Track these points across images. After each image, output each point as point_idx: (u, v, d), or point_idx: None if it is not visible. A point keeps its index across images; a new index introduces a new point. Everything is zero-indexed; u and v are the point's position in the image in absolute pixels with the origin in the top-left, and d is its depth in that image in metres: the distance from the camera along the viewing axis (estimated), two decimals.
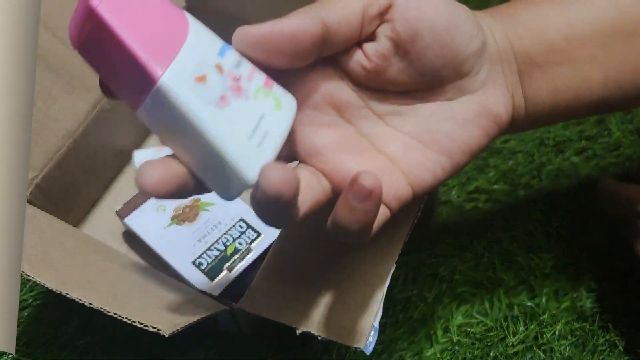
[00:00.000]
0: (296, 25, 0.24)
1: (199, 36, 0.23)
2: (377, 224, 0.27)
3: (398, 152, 0.28)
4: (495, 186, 0.48)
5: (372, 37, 0.27)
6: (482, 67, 0.28)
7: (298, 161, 0.28)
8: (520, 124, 0.30)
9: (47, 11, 0.39)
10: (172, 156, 0.24)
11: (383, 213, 0.28)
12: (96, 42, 0.22)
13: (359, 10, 0.25)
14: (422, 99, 0.28)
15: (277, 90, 0.25)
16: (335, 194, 0.28)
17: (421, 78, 0.27)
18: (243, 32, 0.24)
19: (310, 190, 0.26)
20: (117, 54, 0.22)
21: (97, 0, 0.21)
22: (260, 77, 0.25)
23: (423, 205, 0.36)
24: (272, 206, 0.23)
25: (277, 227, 0.26)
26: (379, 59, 0.27)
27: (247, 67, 0.24)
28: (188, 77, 0.22)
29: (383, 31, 0.26)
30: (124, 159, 0.48)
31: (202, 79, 0.22)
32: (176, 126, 0.23)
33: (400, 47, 0.26)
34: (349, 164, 0.27)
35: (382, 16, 0.26)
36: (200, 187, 0.25)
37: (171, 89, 0.22)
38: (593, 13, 0.29)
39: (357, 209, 0.24)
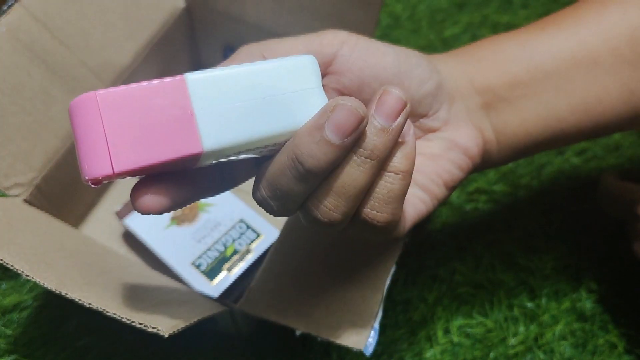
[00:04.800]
0: None
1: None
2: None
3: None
4: (495, 187, 0.48)
5: None
6: (440, 106, 0.28)
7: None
8: (495, 157, 0.31)
9: (47, 11, 0.39)
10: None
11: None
12: None
13: None
14: None
15: None
16: None
17: None
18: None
19: None
20: None
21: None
22: None
23: None
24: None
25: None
26: None
27: None
28: None
29: (329, 83, 0.26)
30: None
31: None
32: None
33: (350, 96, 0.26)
34: None
35: (326, 68, 0.26)
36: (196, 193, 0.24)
37: None
38: (553, 46, 0.30)
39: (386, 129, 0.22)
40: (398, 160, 0.23)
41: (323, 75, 0.26)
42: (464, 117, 0.29)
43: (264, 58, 0.25)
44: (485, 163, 0.31)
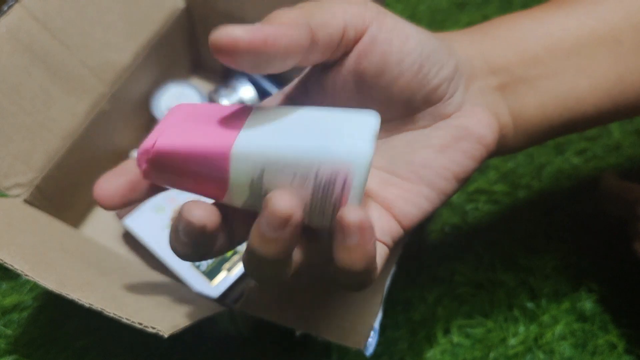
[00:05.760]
0: (290, 36, 0.22)
1: None
2: (379, 260, 0.25)
3: (375, 188, 0.27)
4: (495, 187, 0.48)
5: (338, 65, 0.26)
6: (456, 90, 0.27)
7: None
8: (511, 143, 0.30)
9: (47, 11, 0.39)
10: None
11: (382, 249, 0.26)
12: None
13: (341, 28, 0.24)
14: (395, 130, 0.28)
15: None
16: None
17: (388, 109, 0.27)
18: (229, 37, 0.20)
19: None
20: None
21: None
22: None
23: None
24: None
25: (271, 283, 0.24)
26: (343, 90, 0.26)
27: None
28: None
29: (347, 64, 0.25)
30: (123, 159, 0.48)
31: None
32: None
33: (367, 80, 0.26)
34: None
35: (354, 43, 0.25)
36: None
37: None
38: (572, 23, 0.29)
39: (269, 237, 0.21)
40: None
41: (346, 52, 0.25)
42: (479, 101, 0.28)
43: (310, 27, 0.23)
44: (500, 149, 0.29)
